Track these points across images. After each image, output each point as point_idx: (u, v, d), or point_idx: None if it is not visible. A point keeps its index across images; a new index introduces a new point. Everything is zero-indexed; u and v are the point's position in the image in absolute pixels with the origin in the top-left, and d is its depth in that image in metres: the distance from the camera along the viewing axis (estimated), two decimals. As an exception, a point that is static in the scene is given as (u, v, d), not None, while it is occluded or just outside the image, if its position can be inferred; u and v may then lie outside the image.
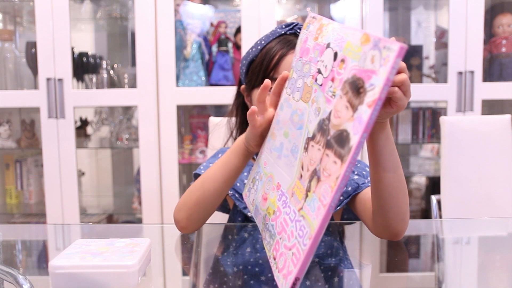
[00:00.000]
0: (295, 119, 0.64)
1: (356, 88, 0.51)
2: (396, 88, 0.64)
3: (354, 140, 0.50)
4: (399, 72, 0.64)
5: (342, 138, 0.51)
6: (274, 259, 0.59)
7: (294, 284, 0.54)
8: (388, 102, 0.67)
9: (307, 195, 0.56)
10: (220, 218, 1.20)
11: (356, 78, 0.52)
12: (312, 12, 0.69)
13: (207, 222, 0.90)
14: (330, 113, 0.55)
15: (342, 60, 0.55)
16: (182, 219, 0.88)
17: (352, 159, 0.50)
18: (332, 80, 0.56)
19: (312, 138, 0.58)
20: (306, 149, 0.59)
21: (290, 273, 0.54)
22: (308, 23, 0.68)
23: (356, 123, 0.50)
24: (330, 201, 0.51)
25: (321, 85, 0.59)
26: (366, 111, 0.49)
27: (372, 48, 0.51)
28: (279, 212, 0.61)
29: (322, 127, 0.56)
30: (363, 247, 0.94)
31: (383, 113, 0.69)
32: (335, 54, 0.57)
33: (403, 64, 0.64)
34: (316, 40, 0.63)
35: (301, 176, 0.59)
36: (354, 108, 0.51)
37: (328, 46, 0.59)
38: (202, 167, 1.03)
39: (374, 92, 0.49)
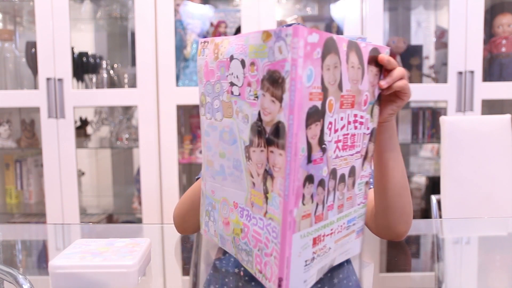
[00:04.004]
0: (226, 137, 0.64)
1: (275, 80, 0.53)
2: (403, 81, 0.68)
3: (286, 126, 0.52)
4: (392, 69, 0.68)
5: (279, 130, 0.53)
6: (261, 272, 0.59)
7: (279, 285, 0.54)
8: (396, 95, 0.70)
9: (267, 197, 0.57)
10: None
11: (272, 72, 0.54)
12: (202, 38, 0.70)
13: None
14: (259, 114, 0.56)
15: (252, 63, 0.57)
16: (179, 224, 0.91)
17: (289, 143, 0.52)
18: (249, 85, 0.58)
19: (250, 144, 0.59)
20: (248, 157, 0.60)
21: (276, 276, 0.54)
22: (201, 49, 0.69)
23: (285, 110, 0.52)
24: (284, 190, 0.52)
25: (239, 95, 0.60)
26: (287, 95, 0.51)
27: (276, 40, 0.53)
28: (246, 228, 0.62)
29: (257, 129, 0.57)
30: (363, 247, 0.94)
31: (394, 108, 0.72)
32: (242, 62, 0.59)
33: (403, 72, 0.68)
34: (217, 59, 0.64)
35: (253, 184, 0.59)
36: (279, 99, 0.53)
37: (232, 58, 0.61)
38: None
39: (289, 76, 0.51)
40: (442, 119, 1.48)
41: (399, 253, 0.90)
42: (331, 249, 0.65)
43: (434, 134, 2.18)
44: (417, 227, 1.10)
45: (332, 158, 0.59)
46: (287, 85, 0.51)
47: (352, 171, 0.65)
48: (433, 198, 1.60)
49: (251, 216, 0.60)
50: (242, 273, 0.73)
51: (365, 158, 0.67)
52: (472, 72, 1.93)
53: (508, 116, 1.48)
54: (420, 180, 2.40)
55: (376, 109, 0.68)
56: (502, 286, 0.73)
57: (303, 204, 0.54)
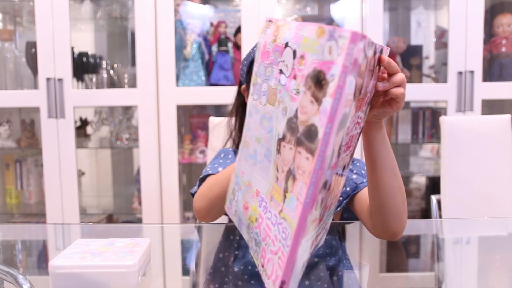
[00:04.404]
0: (265, 123, 0.64)
1: (318, 81, 0.52)
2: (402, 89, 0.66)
3: (321, 132, 0.50)
4: (393, 74, 0.66)
5: (311, 133, 0.52)
6: (263, 266, 0.59)
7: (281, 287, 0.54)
8: (388, 102, 0.68)
9: (285, 196, 0.56)
10: (220, 218, 1.20)
11: (317, 71, 0.52)
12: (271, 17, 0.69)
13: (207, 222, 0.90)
14: (296, 111, 0.55)
15: (302, 57, 0.55)
16: (202, 209, 0.89)
17: (320, 151, 0.50)
18: (294, 77, 0.56)
19: (283, 138, 0.57)
20: (278, 150, 0.59)
21: (278, 277, 0.54)
22: (265, 27, 0.67)
23: (322, 115, 0.50)
24: (305, 197, 0.51)
25: (284, 85, 0.59)
26: (328, 101, 0.50)
27: (328, 39, 0.51)
28: (261, 218, 0.61)
29: (291, 125, 0.56)
30: (362, 247, 0.94)
31: (381, 112, 0.70)
32: (294, 52, 0.57)
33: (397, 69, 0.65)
34: (274, 42, 0.63)
35: (277, 178, 0.59)
36: (318, 101, 0.51)
37: (286, 45, 0.59)
38: (209, 169, 1.02)
39: (334, 82, 0.49)
40: (442, 119, 1.48)
41: (399, 253, 0.90)
42: (317, 246, 0.65)
43: (434, 134, 2.18)
44: (417, 227, 1.10)
45: (339, 161, 0.58)
46: (330, 90, 0.50)
47: (344, 170, 0.64)
48: (433, 198, 1.59)
49: (267, 209, 0.60)
50: (241, 273, 0.73)
51: (351, 155, 0.67)
52: (472, 72, 1.93)
53: (508, 116, 1.48)
54: (420, 180, 2.40)
55: (368, 109, 0.68)
56: (502, 286, 0.73)
57: (315, 210, 0.54)
